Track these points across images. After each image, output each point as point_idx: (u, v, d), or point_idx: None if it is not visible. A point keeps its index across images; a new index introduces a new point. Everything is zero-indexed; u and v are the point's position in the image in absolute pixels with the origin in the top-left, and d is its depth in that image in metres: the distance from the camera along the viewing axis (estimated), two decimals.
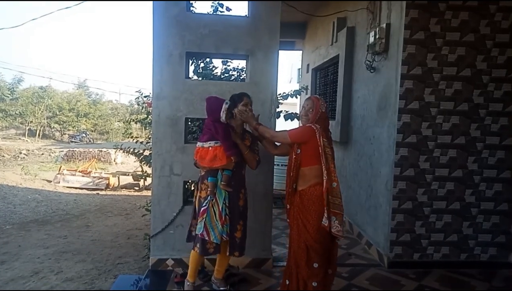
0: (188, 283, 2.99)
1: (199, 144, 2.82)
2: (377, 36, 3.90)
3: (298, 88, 5.68)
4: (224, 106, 2.72)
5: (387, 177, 3.74)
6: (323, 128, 2.64)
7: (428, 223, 3.67)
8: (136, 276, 3.92)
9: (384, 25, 3.81)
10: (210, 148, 2.74)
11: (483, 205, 3.68)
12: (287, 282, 2.77)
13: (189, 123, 4.70)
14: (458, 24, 3.48)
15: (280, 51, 3.52)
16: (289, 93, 5.29)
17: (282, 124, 3.83)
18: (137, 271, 4.68)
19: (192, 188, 5.02)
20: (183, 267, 3.46)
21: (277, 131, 2.96)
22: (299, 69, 8.88)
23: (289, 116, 4.95)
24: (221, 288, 3.10)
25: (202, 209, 2.81)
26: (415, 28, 3.47)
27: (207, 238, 2.76)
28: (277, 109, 4.19)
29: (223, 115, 2.72)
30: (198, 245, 2.81)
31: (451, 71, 3.53)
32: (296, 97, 5.42)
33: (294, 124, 4.13)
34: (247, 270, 3.49)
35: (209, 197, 2.80)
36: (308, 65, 7.62)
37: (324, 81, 6.70)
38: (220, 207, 2.79)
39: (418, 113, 3.55)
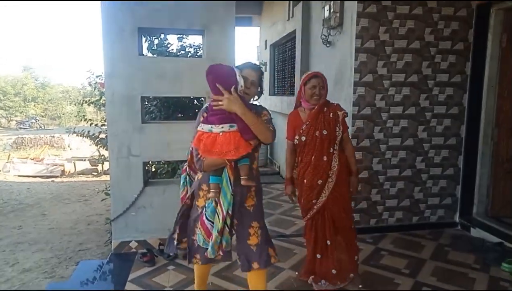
0: None
1: (204, 128, 1.98)
2: (331, 10, 3.94)
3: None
4: (238, 73, 1.99)
5: None
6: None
7: (383, 190, 3.87)
8: (99, 261, 3.84)
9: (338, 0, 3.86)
10: (221, 134, 1.93)
11: (432, 171, 3.93)
12: (318, 256, 2.76)
13: (146, 103, 4.58)
14: None
15: (238, 28, 3.48)
16: None
17: None
18: (100, 257, 4.58)
19: (153, 169, 4.95)
20: (147, 248, 3.43)
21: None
22: (258, 46, 8.82)
23: None
24: None
25: (200, 217, 2.13)
26: (367, 1, 3.54)
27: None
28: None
29: (241, 81, 1.98)
30: (198, 256, 2.23)
31: (402, 44, 3.67)
32: None
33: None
34: None
35: (208, 202, 2.09)
36: (266, 41, 7.59)
37: (283, 57, 6.71)
38: (223, 213, 2.03)
39: (372, 86, 3.67)
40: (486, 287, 2.81)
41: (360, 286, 2.78)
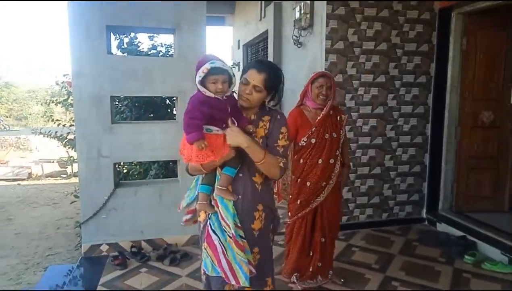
0: None
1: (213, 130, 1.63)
2: (302, 11, 4.00)
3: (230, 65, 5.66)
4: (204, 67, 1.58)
5: None
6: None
7: (354, 188, 3.97)
8: (68, 266, 3.72)
9: (308, 1, 3.92)
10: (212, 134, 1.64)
11: (400, 168, 4.07)
12: (311, 254, 2.78)
13: (116, 102, 4.48)
14: None
15: (211, 27, 3.47)
16: None
17: None
18: (70, 261, 4.44)
19: (125, 170, 4.86)
20: (118, 251, 3.36)
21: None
22: (231, 46, 8.82)
23: None
24: None
25: (205, 233, 1.75)
26: (336, 3, 3.62)
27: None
28: None
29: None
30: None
31: (370, 45, 3.77)
32: None
33: None
34: (186, 248, 3.50)
35: (212, 213, 1.73)
36: (239, 41, 7.59)
37: (256, 57, 6.74)
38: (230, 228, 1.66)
39: (342, 86, 3.76)
40: (451, 279, 2.94)
41: (342, 280, 2.86)
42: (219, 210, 1.70)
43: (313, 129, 2.60)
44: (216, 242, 1.69)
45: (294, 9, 4.27)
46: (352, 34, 3.70)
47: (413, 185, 4.14)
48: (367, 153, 3.94)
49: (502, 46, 3.82)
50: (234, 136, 1.61)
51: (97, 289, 2.82)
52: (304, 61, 4.23)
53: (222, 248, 1.67)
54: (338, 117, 2.69)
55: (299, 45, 4.29)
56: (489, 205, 4.02)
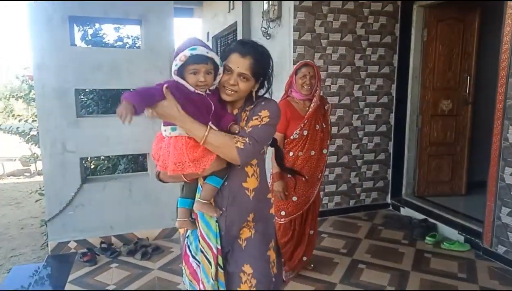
0: None
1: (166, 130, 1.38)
2: (270, 3, 4.03)
3: None
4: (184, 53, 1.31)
5: None
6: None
7: (323, 176, 4.07)
8: (34, 265, 3.60)
9: None
10: (167, 139, 1.38)
11: (366, 156, 4.22)
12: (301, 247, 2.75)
13: (81, 96, 4.35)
14: None
15: (180, 19, 3.43)
16: None
17: None
18: (36, 261, 4.29)
19: (92, 166, 4.73)
20: (87, 247, 3.30)
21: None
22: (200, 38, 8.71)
23: None
24: None
25: (183, 252, 1.60)
26: None
27: None
28: None
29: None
30: None
31: (336, 37, 3.86)
32: None
33: None
34: (158, 241, 3.49)
35: (191, 231, 1.54)
36: (208, 33, 7.51)
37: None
38: (213, 252, 1.43)
39: None
40: (413, 259, 3.10)
41: (312, 265, 2.93)
42: (199, 228, 1.47)
43: (305, 121, 2.52)
44: (194, 265, 1.53)
45: (263, 0, 4.29)
46: (319, 26, 3.77)
47: (378, 172, 4.31)
48: (335, 142, 4.05)
49: (458, 37, 4.03)
50: (167, 108, 1.28)
51: (65, 287, 2.77)
52: (273, 53, 4.21)
53: (198, 272, 1.51)
54: (326, 106, 2.67)
55: (268, 37, 4.32)
56: (448, 189, 4.27)
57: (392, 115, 4.23)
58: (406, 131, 4.18)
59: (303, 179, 2.52)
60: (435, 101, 4.12)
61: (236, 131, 1.37)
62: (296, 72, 2.55)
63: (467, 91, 4.13)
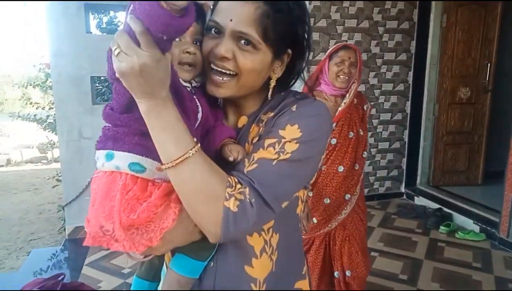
0: None
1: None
2: None
3: None
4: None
5: None
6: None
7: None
8: (52, 249, 3.71)
9: None
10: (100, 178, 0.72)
11: (380, 145, 4.17)
12: None
13: (97, 84, 4.40)
14: None
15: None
16: None
17: None
18: (54, 245, 4.41)
19: None
20: None
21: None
22: None
23: None
24: None
25: None
26: None
27: None
28: None
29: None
30: None
31: (352, 23, 3.79)
32: None
33: None
34: None
35: None
36: None
37: None
38: None
39: None
40: (426, 248, 3.07)
41: None
42: None
43: (333, 125, 1.87)
44: None
45: None
46: (334, 11, 3.70)
47: (392, 161, 4.26)
48: None
49: (479, 23, 3.91)
50: (162, 66, 0.62)
51: (82, 270, 2.84)
52: None
53: None
54: (365, 106, 1.99)
55: None
56: (464, 179, 4.20)
57: (408, 104, 4.16)
58: (422, 120, 4.11)
59: (325, 200, 1.94)
60: (453, 89, 4.02)
61: (230, 159, 0.70)
62: (330, 56, 1.88)
63: (487, 79, 4.01)
